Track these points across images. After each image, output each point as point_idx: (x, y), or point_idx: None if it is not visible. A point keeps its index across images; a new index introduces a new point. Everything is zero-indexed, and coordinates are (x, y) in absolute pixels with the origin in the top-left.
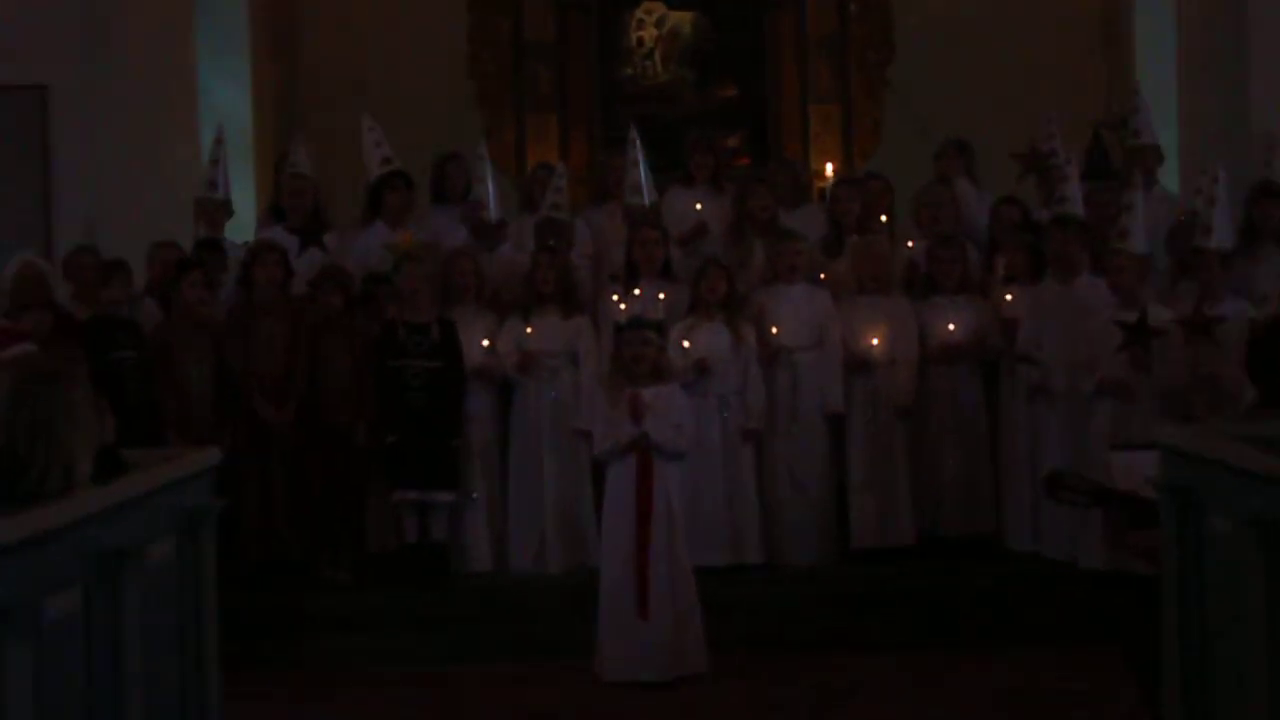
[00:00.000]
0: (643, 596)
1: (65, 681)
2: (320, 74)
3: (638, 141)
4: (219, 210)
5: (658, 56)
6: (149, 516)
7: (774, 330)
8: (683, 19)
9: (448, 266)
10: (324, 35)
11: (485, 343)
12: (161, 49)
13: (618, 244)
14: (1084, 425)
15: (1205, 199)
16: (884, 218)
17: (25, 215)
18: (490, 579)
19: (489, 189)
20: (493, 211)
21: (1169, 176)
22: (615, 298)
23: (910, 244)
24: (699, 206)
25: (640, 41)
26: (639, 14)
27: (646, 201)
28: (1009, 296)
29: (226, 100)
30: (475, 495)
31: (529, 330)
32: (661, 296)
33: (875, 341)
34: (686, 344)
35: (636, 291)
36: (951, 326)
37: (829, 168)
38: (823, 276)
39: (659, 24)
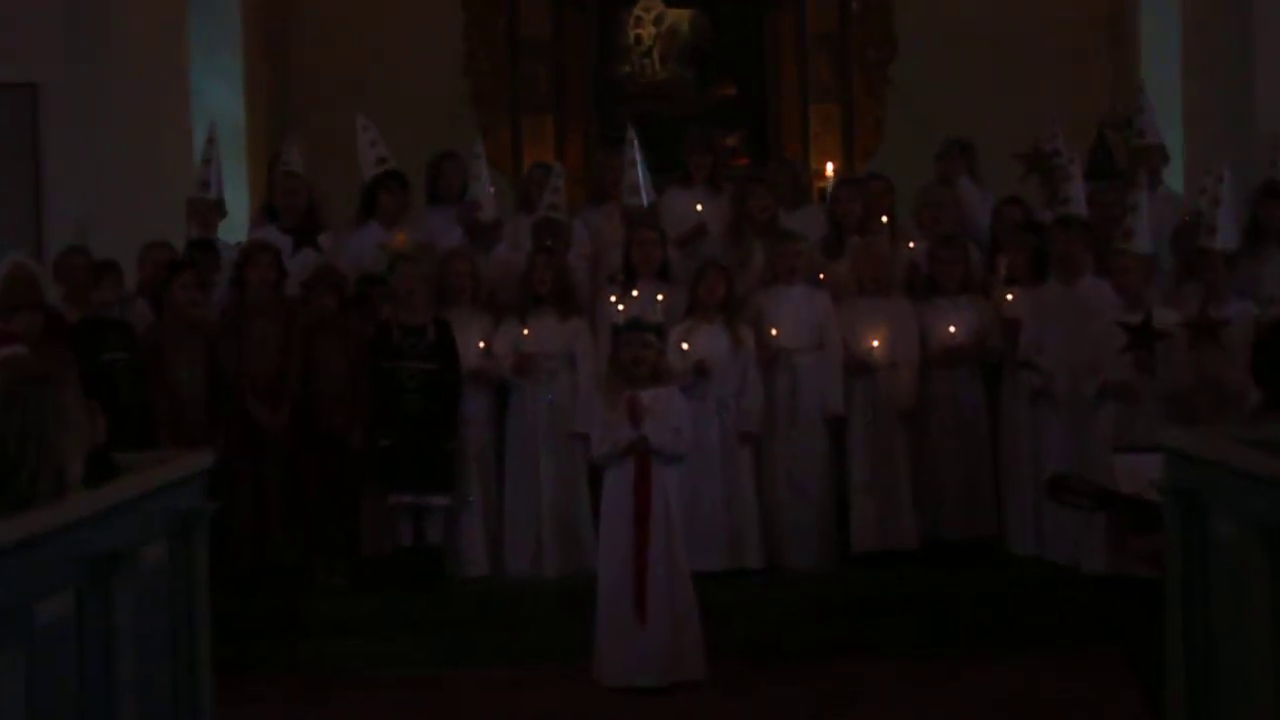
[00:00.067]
0: (640, 601)
1: (57, 686)
2: (314, 73)
3: (635, 141)
4: (212, 210)
5: (656, 55)
6: (141, 520)
7: (773, 332)
8: (681, 17)
9: (443, 267)
10: (318, 33)
11: (481, 344)
12: (154, 47)
13: (615, 245)
14: (1087, 428)
15: (1209, 199)
16: (885, 218)
17: (15, 216)
18: (486, 583)
19: (485, 189)
20: (489, 212)
21: (1174, 177)
22: (613, 299)
23: (911, 245)
24: (700, 208)
25: (638, 39)
26: (637, 11)
27: (645, 202)
28: (1009, 297)
29: (219, 99)
30: (471, 498)
31: (526, 332)
32: (660, 298)
33: (876, 343)
34: (685, 346)
35: (634, 293)
36: (953, 329)
37: (829, 168)
38: (821, 277)
39: (657, 22)
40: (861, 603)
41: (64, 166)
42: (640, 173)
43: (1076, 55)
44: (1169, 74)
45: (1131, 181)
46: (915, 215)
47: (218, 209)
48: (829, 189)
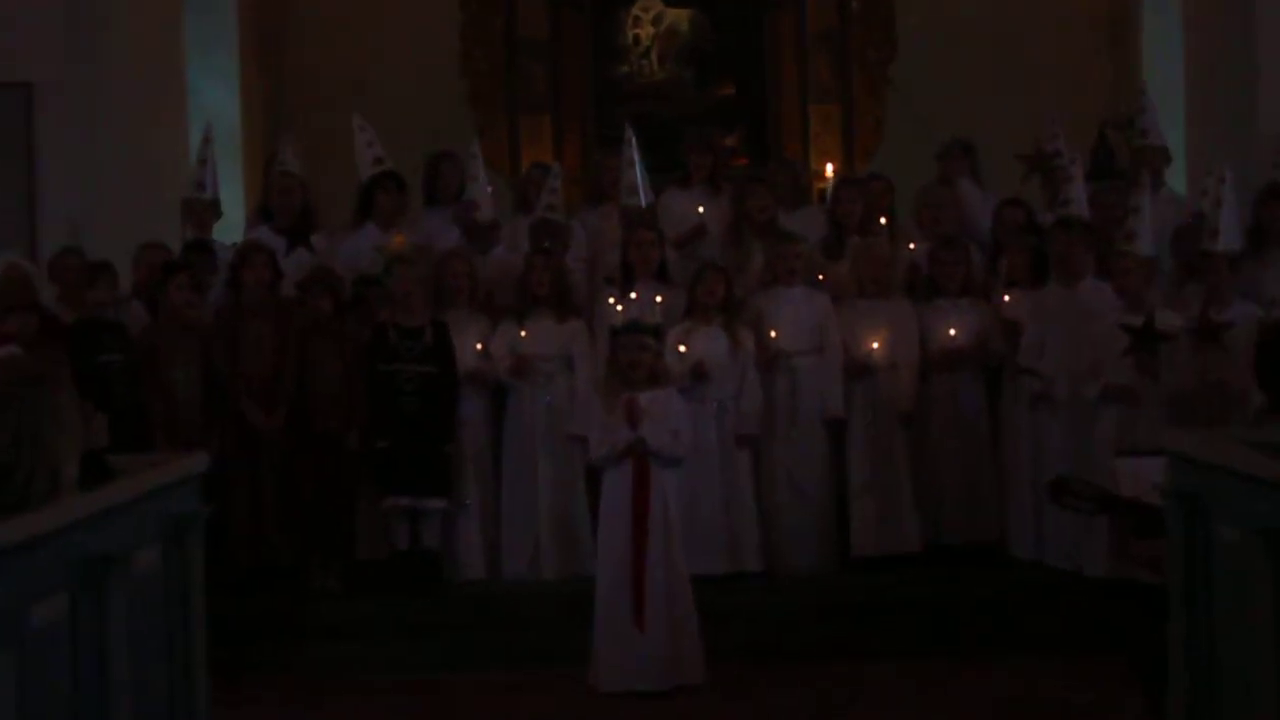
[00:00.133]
0: (639, 605)
1: (50, 689)
2: (310, 73)
3: (634, 141)
4: (207, 211)
5: (654, 54)
6: (136, 522)
7: (773, 334)
8: (680, 16)
9: (440, 269)
10: (314, 33)
11: (479, 346)
12: (149, 47)
13: (614, 246)
14: (1088, 431)
15: (1212, 201)
16: (884, 219)
17: (9, 216)
18: (483, 587)
19: (482, 189)
20: (486, 212)
21: (1176, 178)
22: (611, 301)
23: (912, 246)
24: (701, 209)
25: (636, 39)
26: (635, 11)
27: (643, 202)
28: (1007, 298)
29: (215, 99)
30: (468, 501)
31: (523, 334)
32: (658, 299)
33: (876, 345)
34: (682, 349)
35: (633, 295)
36: (953, 331)
37: (829, 168)
38: (821, 278)
39: (655, 21)
40: (861, 606)
41: (58, 166)
42: (638, 173)
43: (1077, 55)
44: (1171, 74)
45: (1133, 182)
46: (916, 216)
47: (213, 210)
48: (829, 189)
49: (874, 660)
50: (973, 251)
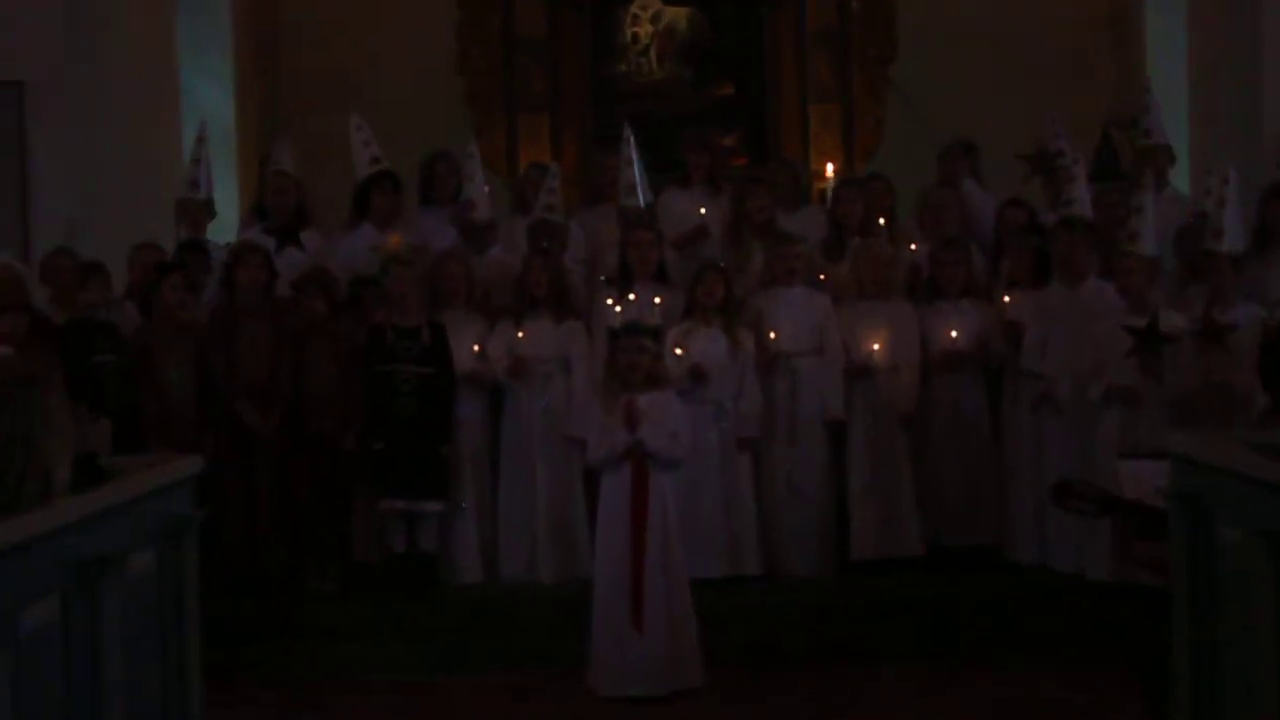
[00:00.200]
0: (637, 608)
1: (43, 692)
2: (306, 71)
3: (632, 140)
4: (201, 211)
5: (653, 53)
6: (129, 525)
7: (772, 335)
8: (678, 14)
9: (437, 269)
10: (309, 31)
11: (476, 348)
12: (143, 44)
13: (612, 246)
14: (1090, 432)
15: (1215, 200)
16: (883, 220)
17: (1, 216)
18: (480, 590)
19: (479, 189)
20: (483, 212)
21: (1179, 178)
22: (610, 302)
23: (913, 247)
24: (703, 211)
25: (635, 38)
26: (633, 9)
27: (641, 202)
28: (1008, 299)
29: (209, 97)
30: (465, 504)
31: (520, 335)
32: (657, 300)
33: (876, 347)
34: (679, 351)
35: (631, 296)
36: (954, 333)
37: (829, 168)
38: (823, 278)
39: (654, 20)
40: (861, 610)
41: (51, 166)
42: (637, 172)
43: (1079, 55)
44: (1175, 73)
45: (1137, 182)
46: (917, 217)
47: (207, 209)
48: (830, 190)
49: (874, 664)
50: (974, 252)
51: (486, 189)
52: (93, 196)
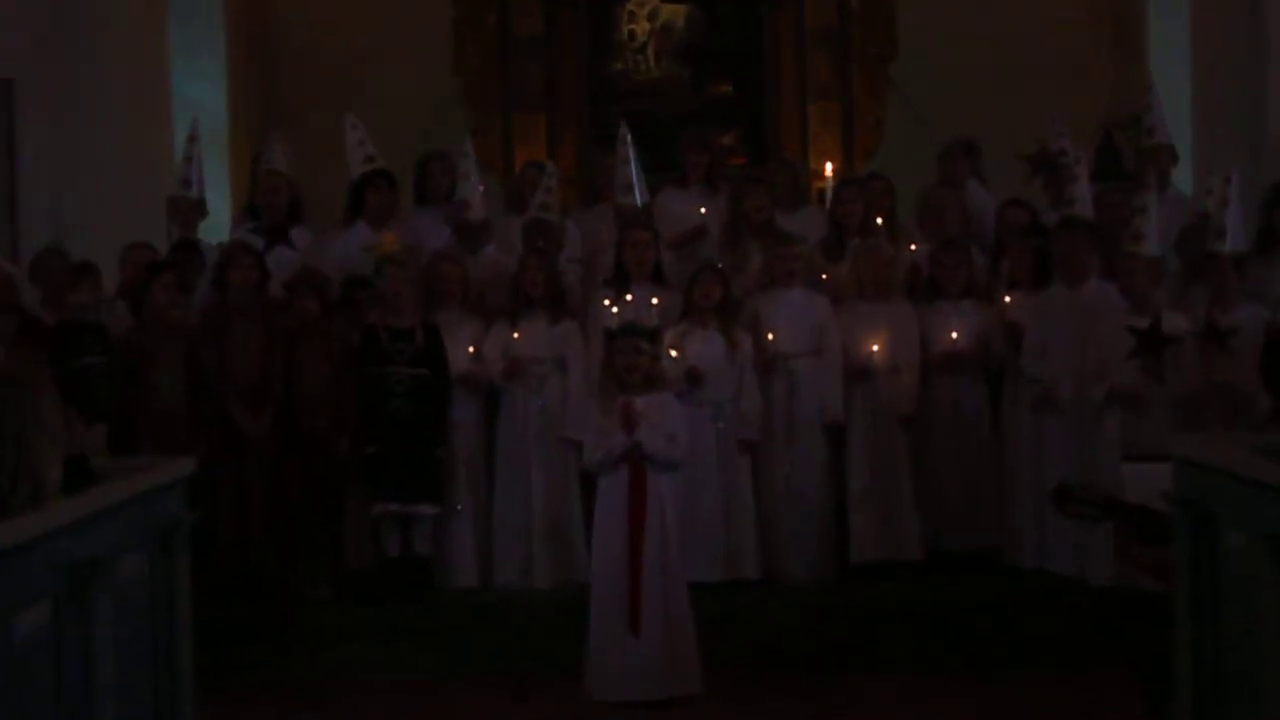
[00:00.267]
0: (634, 613)
1: (35, 698)
2: (299, 69)
3: (629, 139)
4: (193, 210)
5: (650, 51)
6: (121, 528)
7: (771, 337)
8: (676, 12)
9: (431, 269)
10: (302, 29)
11: (471, 349)
12: (133, 41)
13: (609, 246)
14: (1092, 435)
15: (1217, 201)
16: (880, 220)
17: None
18: (475, 594)
19: (474, 188)
20: (478, 211)
21: (1182, 178)
22: (607, 302)
23: (913, 247)
24: (703, 210)
25: (632, 36)
26: (630, 7)
27: (638, 201)
28: (1008, 299)
29: (201, 96)
30: (460, 507)
31: (516, 336)
32: (655, 301)
33: (876, 348)
34: (674, 353)
35: (629, 297)
36: (955, 334)
37: (828, 168)
38: (825, 277)
39: (651, 17)
40: (861, 615)
41: (40, 165)
42: (634, 171)
43: (1080, 54)
44: (1178, 73)
45: (1140, 182)
46: (917, 217)
47: (199, 209)
48: (830, 189)
49: (874, 668)
50: (974, 253)
51: (481, 188)
52: (83, 196)
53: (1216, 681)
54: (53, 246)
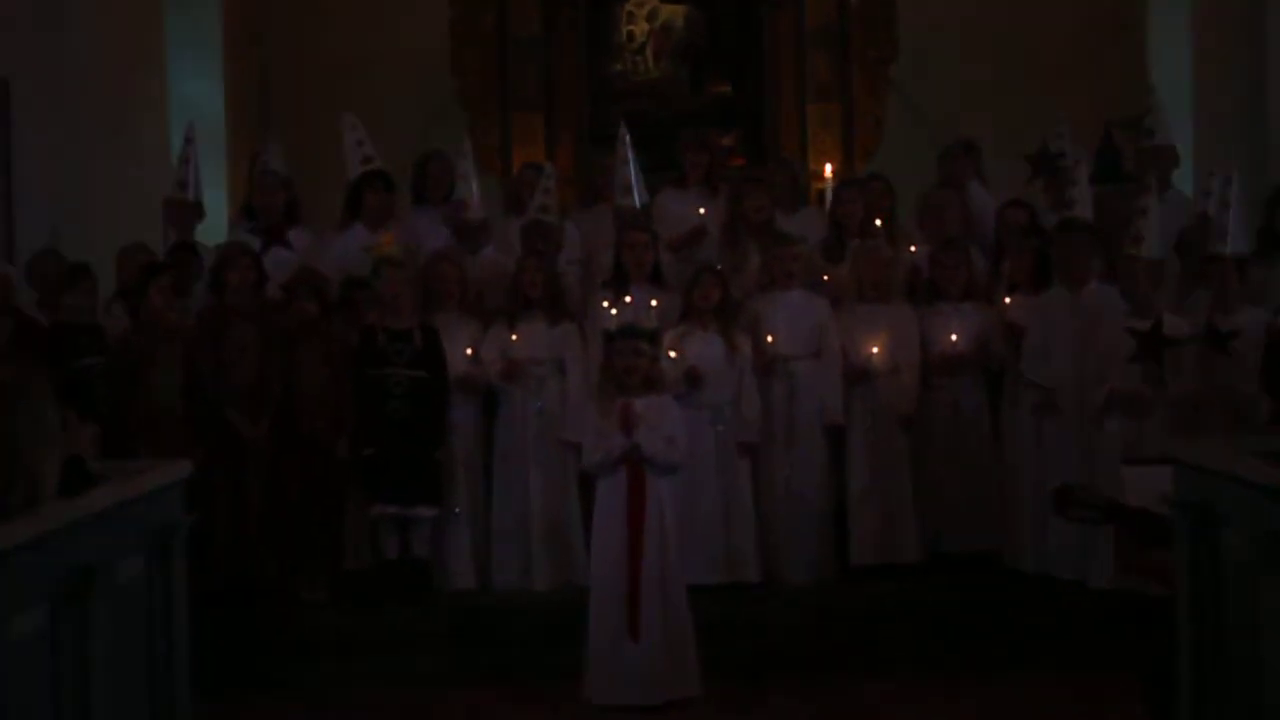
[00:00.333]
0: (633, 616)
1: (32, 701)
2: (296, 70)
3: (628, 139)
4: (189, 212)
5: (649, 52)
6: (118, 531)
7: (770, 338)
8: (675, 13)
9: (429, 271)
10: (300, 29)
11: (469, 351)
12: (129, 40)
13: (607, 248)
14: (1092, 437)
15: (1218, 203)
16: (880, 221)
17: None
18: (474, 597)
19: (472, 188)
20: (476, 211)
21: (1183, 179)
22: (606, 304)
23: (913, 248)
24: (702, 211)
25: (631, 36)
26: (629, 7)
27: (637, 202)
28: (1008, 300)
29: (198, 95)
30: (458, 510)
31: (514, 337)
32: (653, 303)
33: (876, 350)
34: (673, 354)
35: (628, 299)
36: (954, 336)
37: (828, 168)
38: (826, 279)
39: (650, 18)
40: (861, 616)
41: (35, 165)
42: (633, 172)
43: (1081, 55)
44: (1179, 74)
45: (1141, 184)
46: (917, 218)
47: (195, 211)
48: (831, 190)
49: (874, 672)
50: (975, 254)
51: (474, 186)
52: (79, 197)
53: (1218, 684)
54: (49, 248)
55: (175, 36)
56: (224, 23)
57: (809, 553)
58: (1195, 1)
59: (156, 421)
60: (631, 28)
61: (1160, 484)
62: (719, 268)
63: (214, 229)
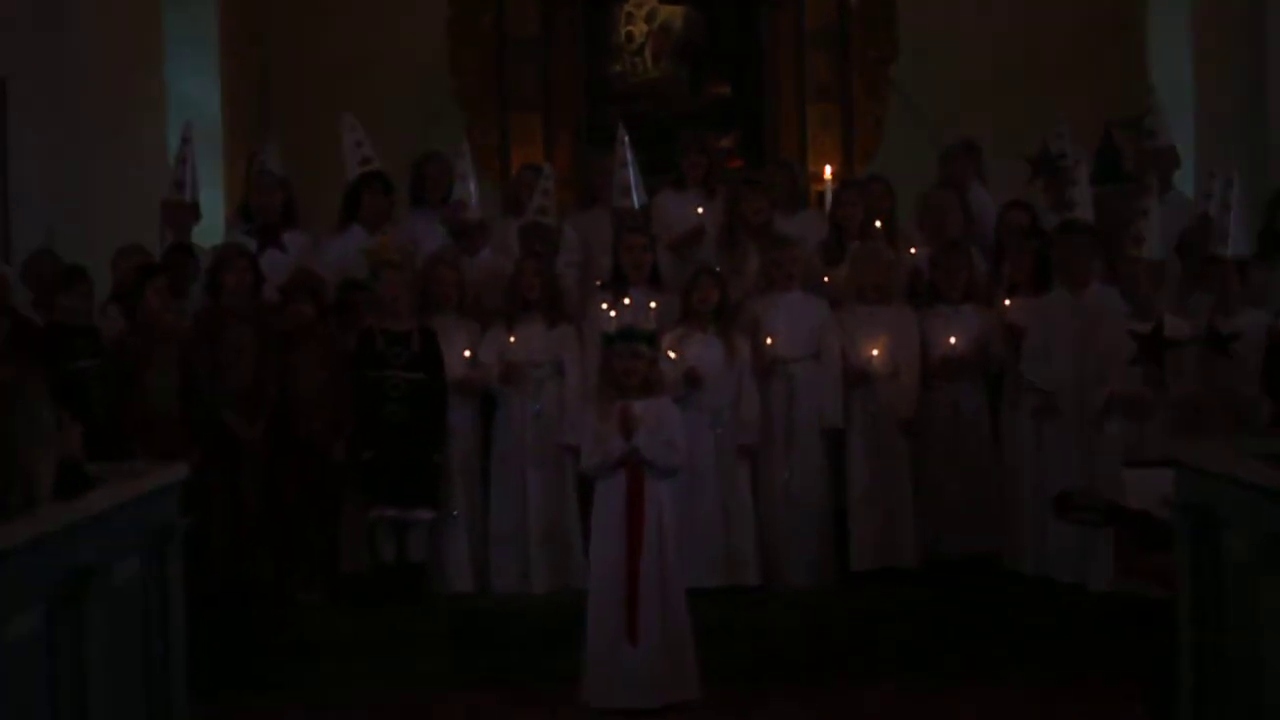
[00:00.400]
0: (632, 620)
1: (26, 705)
2: (294, 70)
3: (627, 140)
4: (186, 213)
5: (648, 52)
6: (114, 534)
7: (769, 341)
8: (674, 13)
9: (427, 273)
10: (298, 29)
11: (467, 353)
12: (127, 39)
13: (606, 249)
14: (1093, 440)
15: (1219, 204)
16: (879, 223)
17: None
18: (471, 600)
19: (470, 188)
20: (474, 212)
21: (1184, 180)
22: (604, 306)
23: (914, 250)
24: (700, 210)
25: (629, 36)
26: (627, 8)
27: (636, 204)
28: (1007, 302)
29: (196, 95)
30: (456, 513)
31: (512, 339)
32: (652, 305)
33: (875, 353)
34: (672, 356)
35: (626, 301)
36: (954, 338)
37: (827, 170)
38: (826, 280)
39: (649, 18)
40: (861, 622)
41: (32, 165)
42: (632, 173)
43: (1081, 55)
44: (1179, 74)
45: (1141, 185)
46: (917, 220)
47: (192, 212)
48: (831, 192)
49: (874, 675)
50: (975, 256)
51: (474, 189)
52: (78, 197)
53: (1219, 687)
54: (45, 248)
55: (173, 35)
56: (222, 22)
57: (808, 556)
58: (1195, 1)
59: (152, 423)
60: (630, 28)
61: (1161, 486)
62: (718, 269)
63: (211, 230)
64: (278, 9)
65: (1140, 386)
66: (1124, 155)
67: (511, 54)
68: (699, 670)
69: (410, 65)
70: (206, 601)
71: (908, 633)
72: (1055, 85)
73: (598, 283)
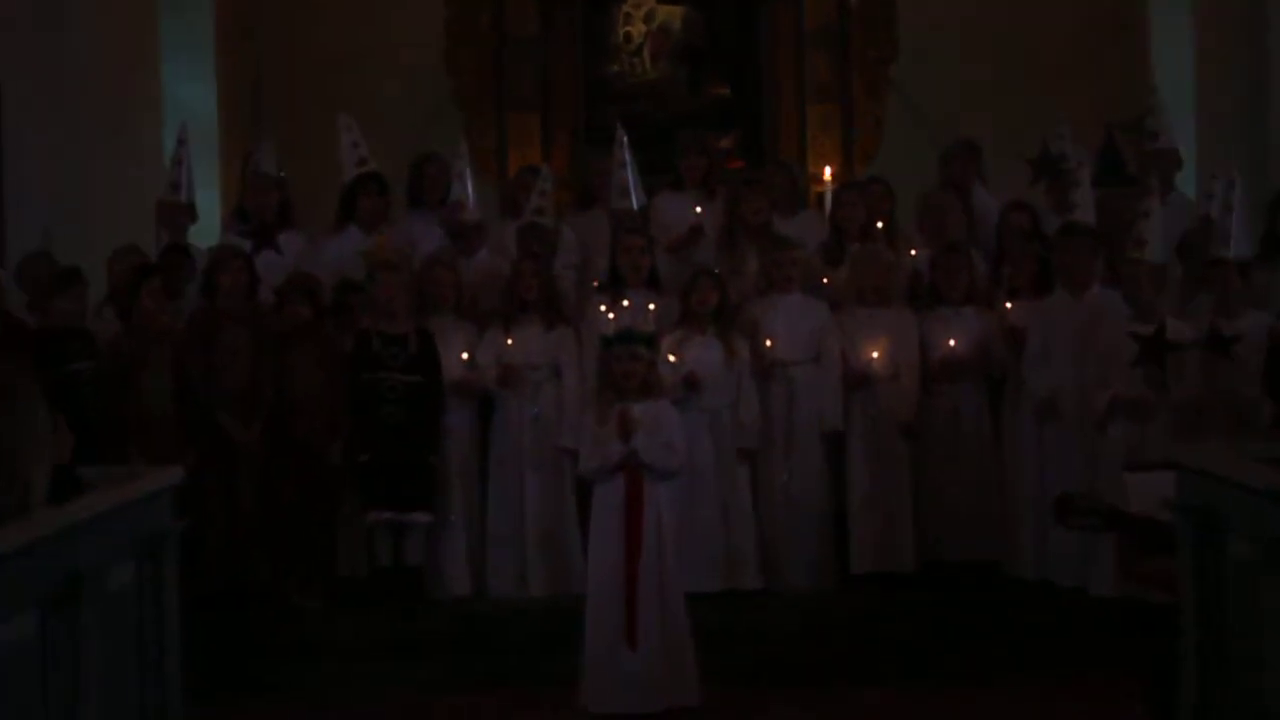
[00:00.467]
0: (631, 623)
1: (20, 710)
2: (290, 70)
3: (625, 140)
4: (182, 214)
5: (646, 53)
6: (108, 538)
7: (768, 343)
8: (673, 13)
9: (424, 274)
10: (294, 30)
11: (464, 355)
12: (125, 41)
13: (604, 251)
14: (1094, 443)
15: (1220, 206)
16: (880, 225)
17: None
18: (469, 604)
19: (468, 189)
20: (472, 212)
21: (1185, 181)
22: (603, 308)
23: (914, 252)
24: (699, 211)
25: (628, 37)
26: (626, 8)
27: (635, 205)
28: (1008, 304)
29: (191, 96)
30: (453, 515)
31: (509, 341)
32: (651, 307)
33: (875, 355)
34: (672, 358)
35: (625, 303)
36: (953, 341)
37: (827, 171)
38: (826, 281)
39: (647, 19)
40: (861, 626)
41: (27, 167)
42: (630, 174)
43: (1082, 55)
44: (1180, 76)
45: (1143, 187)
46: (917, 221)
47: (188, 213)
48: (831, 193)
49: (874, 679)
50: (976, 258)
51: (471, 189)
52: (76, 198)
53: (1222, 690)
54: (41, 250)
55: (169, 38)
56: (217, 25)
57: (808, 558)
58: (1196, 1)
59: (147, 425)
60: (629, 28)
61: (1163, 489)
62: (717, 271)
63: (207, 231)
64: (273, 11)
65: (1142, 389)
66: (1125, 156)
67: (510, 54)
68: (699, 674)
69: (408, 65)
70: (203, 603)
71: (908, 635)
72: (1055, 85)
73: (596, 284)
